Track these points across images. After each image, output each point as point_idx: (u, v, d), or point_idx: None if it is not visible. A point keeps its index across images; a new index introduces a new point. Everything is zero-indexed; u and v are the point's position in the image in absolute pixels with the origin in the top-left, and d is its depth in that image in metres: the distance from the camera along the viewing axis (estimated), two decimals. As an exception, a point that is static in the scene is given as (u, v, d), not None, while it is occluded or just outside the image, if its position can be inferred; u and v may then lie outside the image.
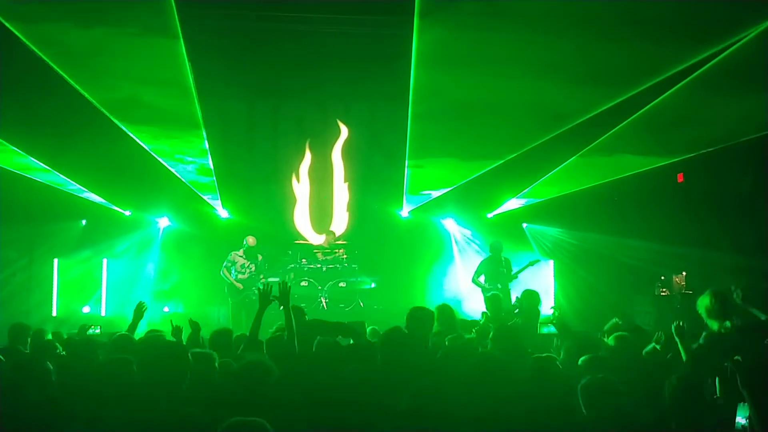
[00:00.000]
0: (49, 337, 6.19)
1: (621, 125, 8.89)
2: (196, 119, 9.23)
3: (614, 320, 6.68)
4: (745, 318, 5.12)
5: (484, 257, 10.59)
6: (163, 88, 8.52)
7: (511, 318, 7.49)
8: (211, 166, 10.88)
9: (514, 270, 10.27)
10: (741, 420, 3.41)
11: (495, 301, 7.84)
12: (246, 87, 10.66)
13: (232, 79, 10.02)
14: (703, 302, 5.20)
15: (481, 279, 10.22)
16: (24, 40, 6.90)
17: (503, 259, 10.33)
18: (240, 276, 10.46)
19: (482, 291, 10.05)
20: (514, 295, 9.11)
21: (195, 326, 5.84)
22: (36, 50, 7.12)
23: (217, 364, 4.43)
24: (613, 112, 8.51)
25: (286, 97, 11.42)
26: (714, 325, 5.10)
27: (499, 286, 10.00)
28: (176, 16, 6.87)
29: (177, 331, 5.72)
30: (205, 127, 9.63)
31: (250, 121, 11.78)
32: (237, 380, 3.88)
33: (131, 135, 9.47)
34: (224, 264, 10.51)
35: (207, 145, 10.14)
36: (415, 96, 8.40)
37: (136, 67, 7.99)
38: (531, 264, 10.47)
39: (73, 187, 11.04)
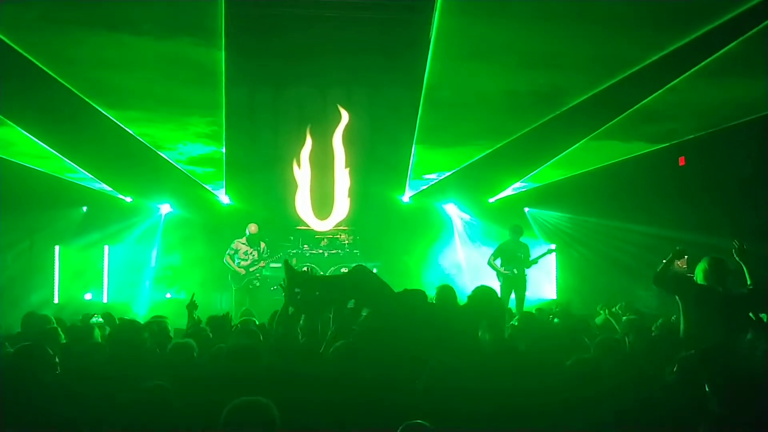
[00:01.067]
0: (54, 324, 6.22)
1: (624, 115, 8.88)
2: (218, 105, 9.19)
3: (619, 306, 6.73)
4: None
5: (503, 240, 10.21)
6: (182, 76, 8.46)
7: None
8: (223, 152, 10.84)
9: (533, 256, 10.05)
10: None
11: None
12: (250, 74, 10.62)
13: (241, 66, 9.99)
14: (701, 267, 5.29)
15: (497, 262, 9.94)
16: (14, 43, 6.91)
17: (522, 244, 10.07)
18: (243, 263, 10.51)
19: (497, 275, 9.89)
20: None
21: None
22: (36, 48, 7.14)
23: (195, 353, 4.54)
24: (614, 99, 8.50)
25: (297, 84, 11.46)
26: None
27: (515, 271, 9.81)
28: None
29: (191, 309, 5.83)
30: (225, 114, 9.61)
31: (262, 108, 11.82)
32: (229, 361, 3.93)
33: (128, 125, 9.47)
34: (227, 252, 10.56)
35: (224, 131, 10.13)
36: (428, 81, 8.37)
37: (157, 58, 7.94)
38: (549, 252, 10.36)
39: (74, 174, 11.02)
